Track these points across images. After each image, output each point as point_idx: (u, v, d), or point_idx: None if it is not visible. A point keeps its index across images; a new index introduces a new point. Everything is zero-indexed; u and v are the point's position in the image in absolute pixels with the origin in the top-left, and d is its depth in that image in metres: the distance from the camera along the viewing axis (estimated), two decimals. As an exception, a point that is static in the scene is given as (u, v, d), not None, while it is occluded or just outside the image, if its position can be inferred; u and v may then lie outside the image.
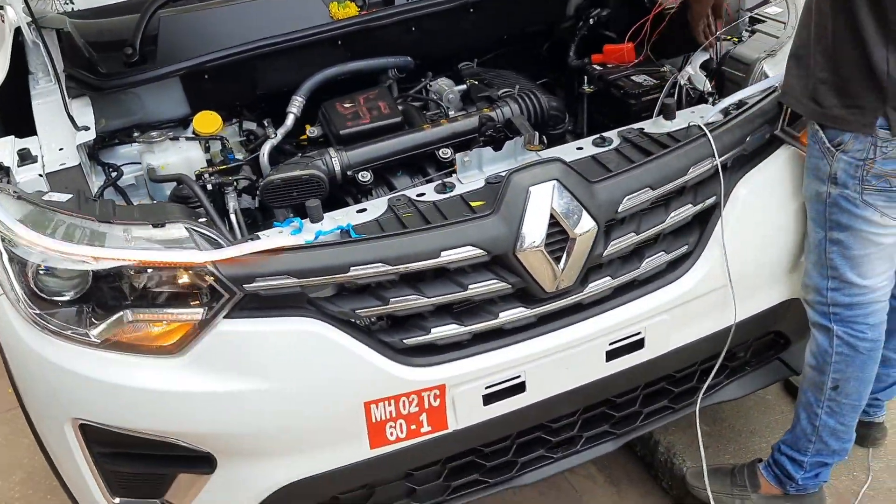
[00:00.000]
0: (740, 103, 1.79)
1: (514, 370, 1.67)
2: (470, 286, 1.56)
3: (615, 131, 1.82)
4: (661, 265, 1.73)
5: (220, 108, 2.02)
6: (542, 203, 1.54)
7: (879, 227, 1.66)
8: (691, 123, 1.78)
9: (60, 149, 1.79)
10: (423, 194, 1.68)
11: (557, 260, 1.57)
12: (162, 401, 1.53)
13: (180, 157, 1.86)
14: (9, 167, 1.68)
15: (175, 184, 1.79)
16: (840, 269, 1.73)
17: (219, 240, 1.51)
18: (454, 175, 1.73)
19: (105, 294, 1.53)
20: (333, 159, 1.77)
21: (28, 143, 1.82)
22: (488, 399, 1.67)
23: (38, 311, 1.53)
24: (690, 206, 1.70)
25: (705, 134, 1.67)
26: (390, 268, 1.49)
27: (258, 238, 1.51)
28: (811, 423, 1.90)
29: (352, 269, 1.48)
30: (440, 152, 1.81)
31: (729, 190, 1.74)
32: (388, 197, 1.67)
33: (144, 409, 1.55)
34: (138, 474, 1.68)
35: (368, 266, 1.48)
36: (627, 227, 1.65)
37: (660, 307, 1.74)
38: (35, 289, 1.52)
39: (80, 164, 1.75)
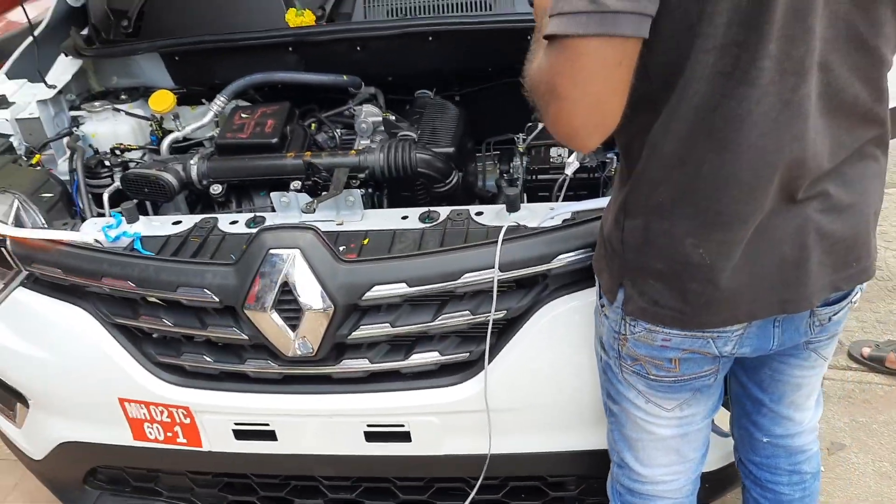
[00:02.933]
0: (573, 216, 1.51)
1: (263, 417, 1.67)
2: (210, 326, 1.58)
3: (452, 210, 1.65)
4: (430, 365, 1.58)
5: (195, 85, 2.22)
6: (277, 268, 1.49)
7: (647, 414, 1.34)
8: (520, 223, 1.55)
9: (41, 100, 2.11)
10: (235, 222, 1.72)
11: (293, 328, 1.53)
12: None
13: (109, 129, 2.09)
14: None
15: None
16: (618, 445, 1.43)
17: (37, 218, 1.72)
18: (274, 212, 1.73)
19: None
20: (192, 167, 1.85)
21: (30, 89, 2.17)
22: (239, 434, 1.70)
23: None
24: (469, 314, 1.51)
25: (496, 241, 1.46)
26: (134, 288, 1.58)
27: (63, 227, 1.69)
28: None
29: (104, 279, 1.59)
30: (292, 183, 1.80)
31: (527, 308, 1.51)
32: (202, 217, 1.73)
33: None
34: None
35: (116, 280, 1.59)
36: (383, 316, 1.53)
37: (425, 407, 1.60)
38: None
39: (39, 117, 2.06)
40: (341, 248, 1.57)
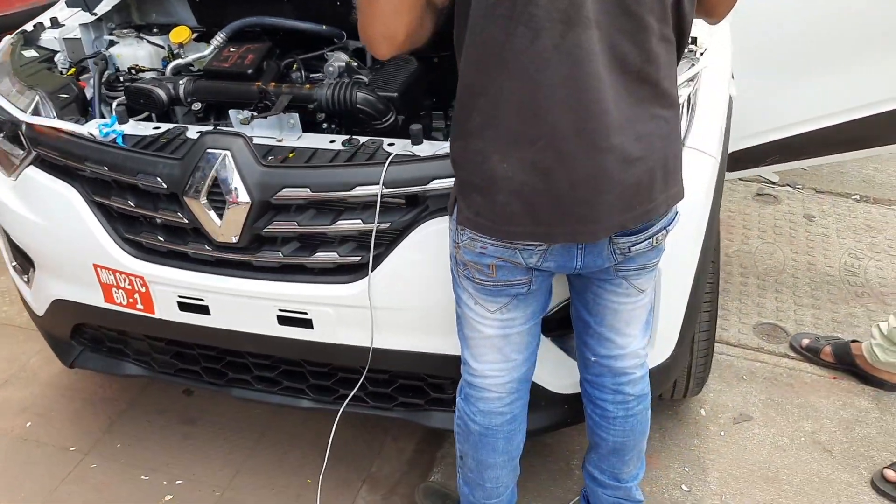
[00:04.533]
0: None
1: (199, 293, 2.02)
2: (160, 210, 1.94)
3: (369, 139, 1.94)
4: (329, 263, 1.88)
5: (213, 25, 2.59)
6: (211, 164, 1.83)
7: (476, 314, 1.60)
8: (408, 151, 1.83)
9: (83, 24, 2.54)
10: (200, 132, 2.06)
11: (220, 216, 1.86)
12: (4, 206, 2.24)
13: (130, 52, 2.48)
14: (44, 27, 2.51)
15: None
16: (461, 343, 1.69)
17: (51, 112, 2.13)
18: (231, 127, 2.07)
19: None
20: (180, 86, 2.22)
21: (82, 16, 2.60)
22: (182, 307, 2.06)
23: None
24: (360, 223, 1.81)
25: (384, 162, 1.75)
26: (108, 171, 1.95)
27: (70, 121, 2.08)
28: (459, 485, 1.89)
29: (85, 162, 1.98)
30: (250, 108, 2.13)
31: (408, 223, 1.79)
32: (174, 126, 2.09)
33: (0, 209, 2.28)
34: (18, 255, 2.44)
35: (94, 165, 1.96)
36: (292, 215, 1.84)
37: (324, 298, 1.90)
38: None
39: (80, 39, 2.49)
40: (269, 158, 1.90)
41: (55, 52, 2.51)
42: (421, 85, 2.28)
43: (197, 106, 2.22)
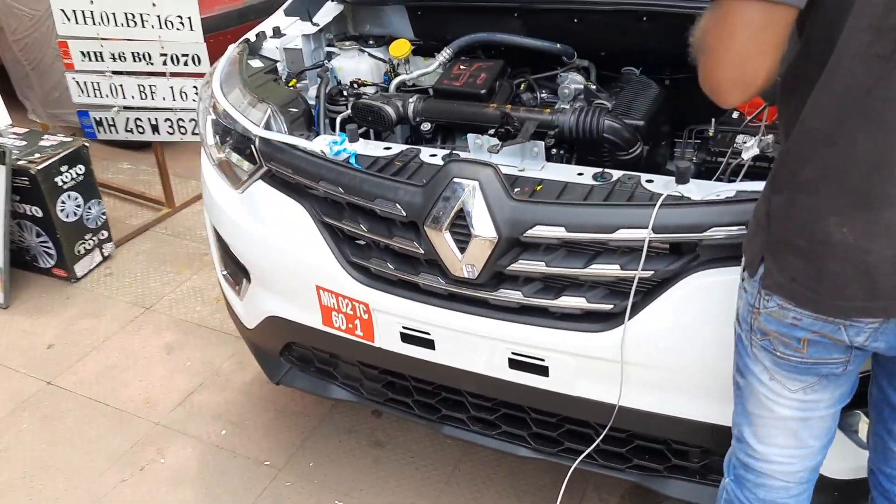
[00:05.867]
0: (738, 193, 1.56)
1: (426, 326, 1.90)
2: (395, 237, 1.84)
3: (624, 174, 1.76)
4: (575, 308, 1.71)
5: (432, 39, 2.51)
6: (457, 195, 1.70)
7: (770, 391, 1.37)
8: (684, 194, 1.63)
9: (304, 34, 2.51)
10: (434, 155, 1.96)
11: (462, 250, 1.74)
12: (227, 217, 2.23)
13: (352, 66, 2.41)
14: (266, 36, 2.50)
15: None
16: (739, 419, 1.48)
17: (283, 127, 2.08)
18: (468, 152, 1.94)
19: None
20: (410, 105, 2.12)
21: (301, 25, 2.58)
22: (405, 338, 1.96)
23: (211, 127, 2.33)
24: (618, 268, 1.63)
25: (653, 203, 1.56)
26: (341, 193, 1.87)
27: (300, 136, 2.03)
28: None
29: (320, 182, 1.91)
30: (490, 130, 2.00)
31: (674, 273, 1.60)
32: (409, 147, 1.99)
33: (221, 220, 2.27)
34: (230, 264, 2.43)
35: (329, 185, 1.89)
36: (540, 255, 1.69)
37: (565, 346, 1.74)
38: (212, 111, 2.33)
39: (300, 49, 2.46)
40: (516, 190, 1.75)
41: (276, 62, 2.48)
42: (665, 112, 2.08)
43: (426, 126, 2.11)
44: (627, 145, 1.91)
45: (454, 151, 1.94)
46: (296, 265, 2.06)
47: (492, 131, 1.99)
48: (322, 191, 1.91)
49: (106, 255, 3.62)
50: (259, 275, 2.21)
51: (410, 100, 2.13)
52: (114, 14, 3.48)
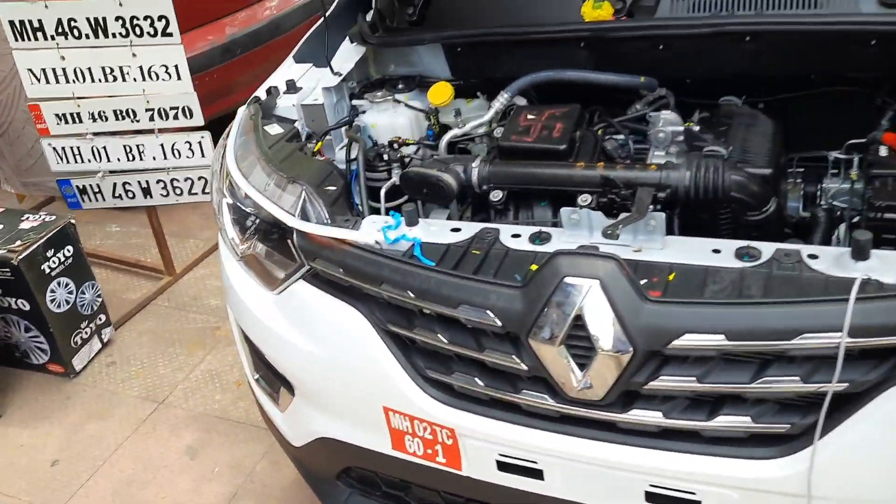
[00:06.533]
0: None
1: (532, 454, 1.52)
2: (487, 349, 1.45)
3: (777, 249, 1.38)
4: (739, 431, 1.33)
5: (474, 78, 2.13)
6: (572, 299, 1.32)
7: None
8: (871, 276, 1.25)
9: (324, 86, 2.11)
10: (517, 236, 1.57)
11: (581, 366, 1.35)
12: (259, 324, 1.83)
13: (388, 121, 2.02)
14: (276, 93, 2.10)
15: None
16: None
17: (321, 212, 1.69)
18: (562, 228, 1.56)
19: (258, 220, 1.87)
20: (473, 170, 1.73)
21: (315, 73, 2.19)
22: (503, 466, 1.57)
23: (223, 214, 1.94)
24: (798, 381, 1.25)
25: (845, 298, 1.18)
26: (412, 298, 1.48)
27: (345, 224, 1.64)
28: None
29: (383, 284, 1.52)
30: (580, 197, 1.62)
31: (874, 384, 1.22)
32: (482, 226, 1.60)
33: (252, 324, 1.88)
34: (263, 368, 2.04)
35: (395, 288, 1.50)
36: (689, 368, 1.31)
37: (724, 477, 1.36)
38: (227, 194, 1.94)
39: (322, 104, 2.06)
40: (643, 282, 1.37)
41: (293, 122, 2.09)
42: (784, 149, 1.72)
43: (496, 196, 1.72)
44: (759, 203, 1.54)
45: (542, 231, 1.55)
46: (354, 382, 1.67)
47: (583, 198, 1.61)
48: (385, 294, 1.53)
49: (105, 340, 3.21)
50: (306, 390, 1.82)
51: (474, 164, 1.74)
52: (89, 69, 3.07)
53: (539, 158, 1.72)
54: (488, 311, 1.40)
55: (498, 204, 1.72)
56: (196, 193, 3.33)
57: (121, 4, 2.92)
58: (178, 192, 3.33)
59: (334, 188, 1.77)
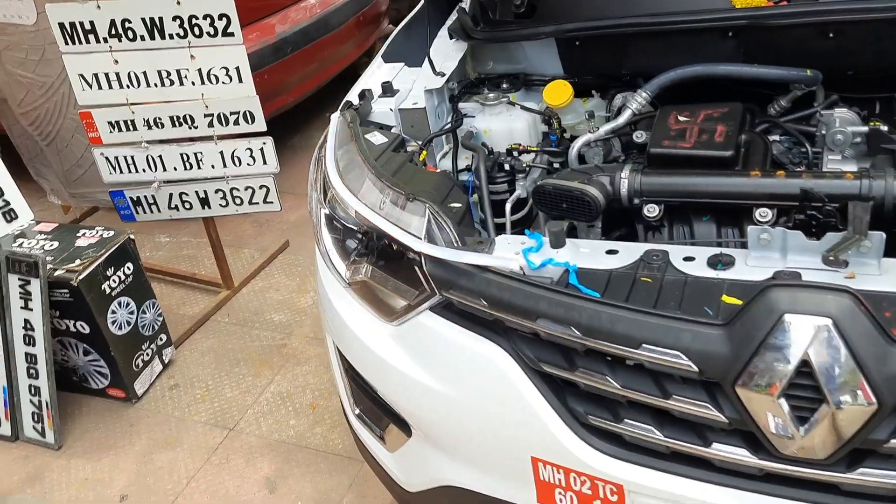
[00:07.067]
0: None
1: (726, 519, 1.29)
2: (674, 396, 1.23)
3: None
4: None
5: (590, 75, 1.91)
6: (797, 341, 1.09)
7: None
8: None
9: (426, 88, 1.90)
10: (691, 259, 1.34)
11: (801, 420, 1.13)
12: (372, 357, 1.62)
13: (504, 126, 1.81)
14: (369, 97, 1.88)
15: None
16: None
17: (450, 233, 1.47)
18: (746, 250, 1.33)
19: (368, 241, 1.66)
20: (623, 181, 1.50)
21: (408, 74, 1.98)
22: (681, 527, 1.35)
23: (323, 235, 1.74)
24: None
25: None
26: (578, 336, 1.26)
27: (478, 247, 1.42)
28: None
29: (539, 319, 1.30)
30: (758, 212, 1.39)
31: None
32: (647, 248, 1.37)
33: (362, 356, 1.67)
34: (368, 402, 1.83)
35: (556, 324, 1.28)
36: (944, 423, 1.08)
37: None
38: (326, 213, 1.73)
39: (425, 108, 1.85)
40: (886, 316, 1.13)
41: (390, 128, 1.87)
42: None
43: (653, 210, 1.50)
44: None
45: (723, 253, 1.32)
46: (494, 427, 1.45)
47: (762, 213, 1.38)
48: (542, 332, 1.31)
49: (166, 361, 3.02)
50: (429, 432, 1.60)
51: (623, 174, 1.51)
52: (144, 73, 2.86)
53: (698, 167, 1.49)
54: (681, 355, 1.18)
55: (653, 220, 1.50)
56: (257, 203, 3.12)
57: (178, 3, 2.71)
58: (238, 201, 3.13)
59: (459, 205, 1.55)
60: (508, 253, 1.41)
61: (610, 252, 1.40)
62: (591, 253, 1.41)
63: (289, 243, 3.73)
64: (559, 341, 1.31)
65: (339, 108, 1.89)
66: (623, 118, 1.69)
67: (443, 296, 1.43)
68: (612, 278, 1.34)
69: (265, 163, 3.02)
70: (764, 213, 1.39)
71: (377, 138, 1.75)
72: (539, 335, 1.33)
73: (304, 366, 2.95)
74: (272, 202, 3.11)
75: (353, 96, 1.94)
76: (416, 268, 1.46)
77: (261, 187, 3.08)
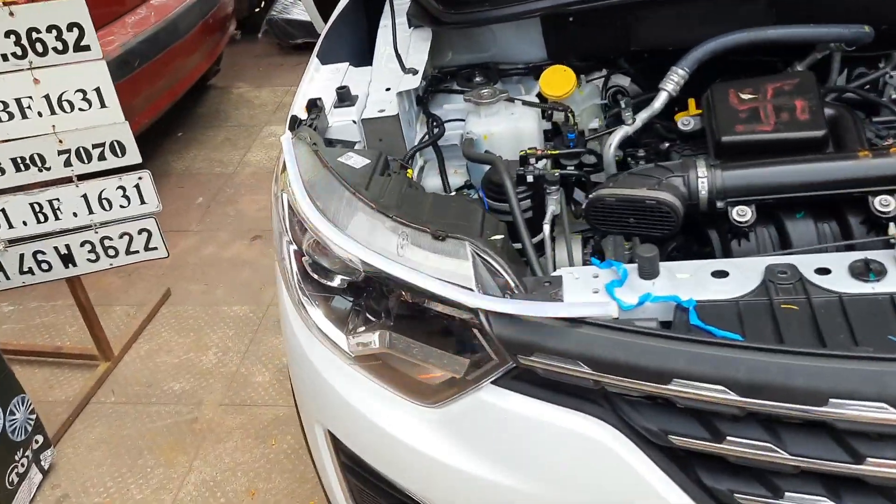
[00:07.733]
0: None
1: None
2: (870, 459, 0.94)
3: None
4: None
5: (582, 58, 1.60)
6: None
7: None
8: None
9: (387, 89, 1.53)
10: (826, 271, 1.06)
11: None
12: (402, 451, 1.22)
13: (508, 127, 1.47)
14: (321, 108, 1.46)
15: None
16: None
17: (505, 276, 1.10)
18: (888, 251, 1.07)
19: (373, 296, 1.25)
20: (701, 180, 1.20)
21: (357, 75, 1.59)
22: None
23: (304, 294, 1.31)
24: None
25: None
26: (736, 398, 0.94)
27: (557, 290, 1.06)
28: None
29: (674, 381, 0.96)
30: (877, 200, 1.14)
31: None
32: (769, 263, 1.08)
33: (385, 452, 1.26)
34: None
35: (702, 386, 0.95)
36: None
37: None
38: (306, 265, 1.30)
39: (397, 114, 1.46)
40: None
41: (352, 145, 1.48)
42: None
43: (744, 214, 1.20)
44: None
45: (870, 259, 1.05)
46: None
47: (883, 200, 1.13)
48: (673, 395, 0.97)
49: (46, 468, 2.39)
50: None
51: (700, 173, 1.21)
52: (-31, 108, 2.24)
53: (787, 152, 1.21)
54: (888, 407, 0.89)
55: (746, 225, 1.20)
56: (137, 252, 2.56)
57: (12, 14, 2.12)
58: (111, 252, 2.55)
59: (501, 236, 1.18)
60: (588, 294, 1.07)
61: (718, 274, 1.09)
62: (692, 279, 1.10)
63: (170, 292, 3.16)
64: (700, 406, 0.98)
65: (287, 125, 1.46)
66: (658, 102, 1.39)
67: (521, 364, 1.06)
68: (743, 311, 1.03)
69: (143, 202, 2.48)
70: (886, 202, 1.14)
71: (356, 160, 1.34)
72: (668, 401, 1.00)
73: (227, 442, 2.44)
74: (156, 247, 2.57)
75: (297, 109, 1.51)
76: (475, 329, 1.08)
77: (140, 232, 2.53)
